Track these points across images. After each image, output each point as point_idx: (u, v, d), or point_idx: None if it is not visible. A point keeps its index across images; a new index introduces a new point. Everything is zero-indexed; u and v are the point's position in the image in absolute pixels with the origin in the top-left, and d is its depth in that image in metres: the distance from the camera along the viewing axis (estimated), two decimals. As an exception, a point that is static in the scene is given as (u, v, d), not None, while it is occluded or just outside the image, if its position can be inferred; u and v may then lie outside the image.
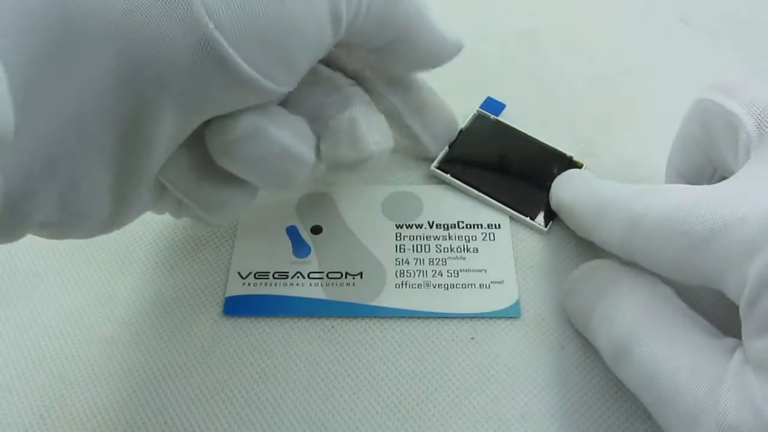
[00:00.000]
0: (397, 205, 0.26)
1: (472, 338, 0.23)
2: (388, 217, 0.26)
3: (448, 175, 0.26)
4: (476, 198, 0.26)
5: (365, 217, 0.26)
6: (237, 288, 0.24)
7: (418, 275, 0.24)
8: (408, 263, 0.25)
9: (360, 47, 0.20)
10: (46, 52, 0.12)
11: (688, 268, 0.18)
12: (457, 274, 0.24)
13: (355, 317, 0.23)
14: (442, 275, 0.24)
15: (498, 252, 0.25)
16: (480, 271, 0.24)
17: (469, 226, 0.26)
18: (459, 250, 0.25)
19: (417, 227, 0.26)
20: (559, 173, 0.25)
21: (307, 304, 0.24)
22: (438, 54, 0.22)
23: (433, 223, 0.26)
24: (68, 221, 0.15)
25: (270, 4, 0.14)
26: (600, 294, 0.20)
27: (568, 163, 0.26)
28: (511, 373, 0.22)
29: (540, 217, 0.25)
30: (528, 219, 0.25)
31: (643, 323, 0.19)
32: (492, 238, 0.25)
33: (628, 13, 0.34)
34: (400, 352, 0.23)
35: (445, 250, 0.25)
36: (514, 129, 0.27)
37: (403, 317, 0.23)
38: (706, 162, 0.21)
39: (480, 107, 0.28)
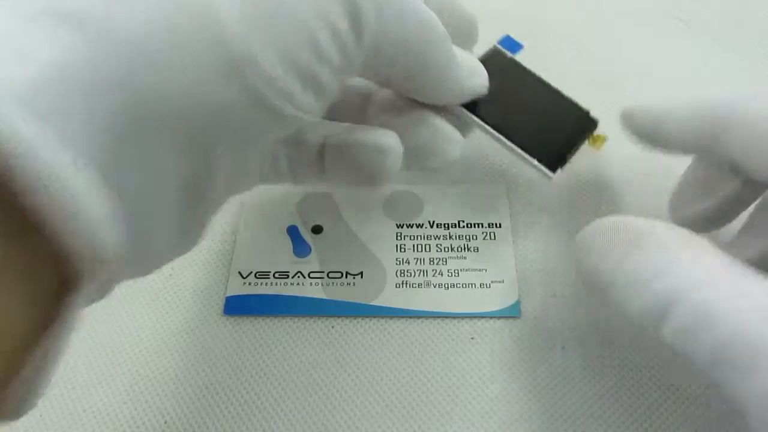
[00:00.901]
0: (398, 205, 0.26)
1: (472, 338, 0.23)
2: (389, 216, 0.26)
3: (465, 109, 0.23)
4: (481, 130, 0.24)
5: (366, 217, 0.26)
6: (237, 288, 0.24)
7: (419, 275, 0.24)
8: (408, 263, 0.25)
9: (374, 74, 0.20)
10: (119, 141, 0.13)
11: None
12: (458, 273, 0.24)
13: (355, 317, 0.23)
14: (442, 275, 0.24)
15: (498, 251, 0.25)
16: (480, 270, 0.24)
17: (469, 226, 0.26)
18: (459, 249, 0.25)
19: (417, 227, 0.26)
20: (574, 126, 0.24)
21: (307, 303, 0.24)
22: (449, 95, 0.22)
23: (433, 222, 0.26)
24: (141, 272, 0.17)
25: (312, 57, 0.15)
26: (626, 251, 0.18)
27: (585, 117, 0.25)
28: (511, 373, 0.22)
29: (548, 161, 0.23)
30: (534, 161, 0.23)
31: (689, 271, 0.16)
32: (492, 237, 0.25)
33: (628, 13, 0.34)
34: (400, 352, 0.23)
35: (446, 249, 0.25)
36: (530, 71, 0.26)
37: (403, 317, 0.23)
38: None
39: (498, 43, 0.26)
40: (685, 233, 0.18)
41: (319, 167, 0.21)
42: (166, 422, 0.21)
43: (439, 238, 0.25)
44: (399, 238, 0.25)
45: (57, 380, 0.22)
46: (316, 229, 0.26)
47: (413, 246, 0.25)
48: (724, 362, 0.15)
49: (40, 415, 0.22)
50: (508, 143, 0.23)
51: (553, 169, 0.23)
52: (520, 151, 0.23)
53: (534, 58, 0.32)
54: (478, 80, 0.22)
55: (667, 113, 0.22)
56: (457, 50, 0.21)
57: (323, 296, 0.24)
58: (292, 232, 0.26)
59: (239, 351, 0.23)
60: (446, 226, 0.26)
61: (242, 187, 0.20)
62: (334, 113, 0.22)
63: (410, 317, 0.23)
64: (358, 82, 0.23)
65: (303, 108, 0.16)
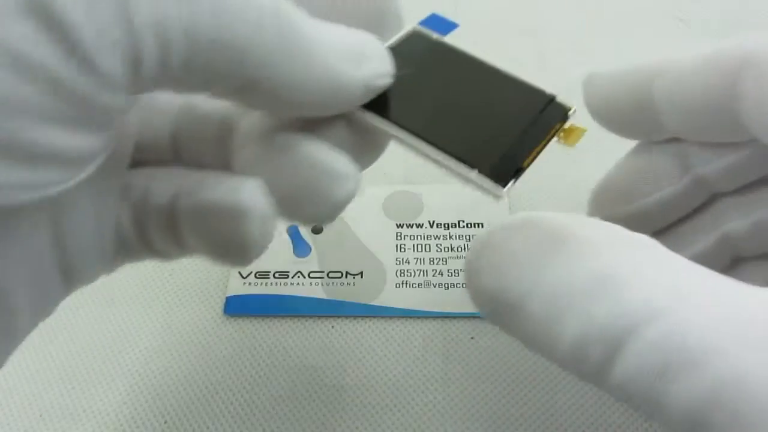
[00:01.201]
0: (398, 205, 0.26)
1: (472, 338, 0.23)
2: (389, 216, 0.26)
3: (369, 113, 0.16)
4: (397, 141, 0.16)
5: (366, 217, 0.26)
6: (238, 287, 0.24)
7: (419, 275, 0.24)
8: (408, 263, 0.25)
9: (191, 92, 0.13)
10: None
11: None
12: (458, 273, 0.24)
13: (355, 317, 0.23)
14: (442, 275, 0.24)
15: (498, 252, 0.25)
16: (480, 270, 0.24)
17: (469, 225, 0.26)
18: (459, 249, 0.25)
19: (417, 227, 0.26)
20: (534, 119, 0.16)
21: (307, 303, 0.24)
22: (327, 100, 0.14)
23: (433, 222, 0.26)
24: None
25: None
26: (543, 258, 0.12)
27: (550, 105, 0.16)
28: (511, 372, 0.22)
29: (494, 171, 0.15)
30: (473, 173, 0.15)
31: (651, 284, 0.11)
32: (492, 237, 0.25)
33: (628, 13, 0.34)
34: (400, 352, 0.23)
35: (446, 249, 0.25)
36: (467, 54, 0.18)
37: (403, 317, 0.23)
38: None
39: (420, 23, 0.18)
40: (624, 230, 0.13)
41: (173, 238, 0.15)
42: (165, 422, 0.21)
43: (439, 238, 0.25)
44: (399, 238, 0.25)
45: (57, 380, 0.22)
46: (316, 229, 0.26)
47: (413, 246, 0.25)
48: (719, 415, 0.10)
49: (40, 415, 0.22)
50: (434, 152, 0.16)
51: (503, 181, 0.15)
52: (451, 161, 0.15)
53: (534, 59, 0.32)
54: (373, 66, 0.14)
55: (661, 71, 0.17)
56: (316, 25, 0.13)
57: (323, 296, 0.24)
58: (292, 232, 0.26)
59: (239, 351, 0.23)
60: (446, 226, 0.26)
61: (75, 285, 0.14)
62: (186, 155, 0.16)
63: (410, 317, 0.23)
64: (212, 105, 0.16)
65: (23, 186, 0.10)
